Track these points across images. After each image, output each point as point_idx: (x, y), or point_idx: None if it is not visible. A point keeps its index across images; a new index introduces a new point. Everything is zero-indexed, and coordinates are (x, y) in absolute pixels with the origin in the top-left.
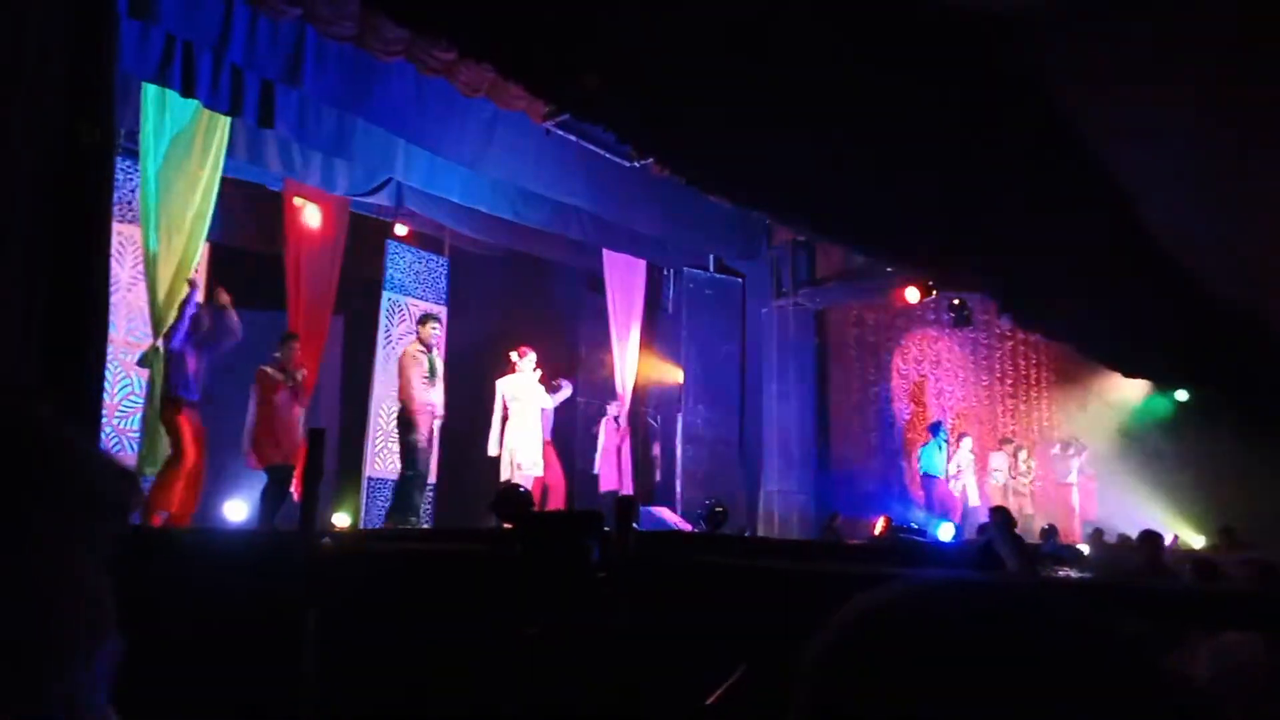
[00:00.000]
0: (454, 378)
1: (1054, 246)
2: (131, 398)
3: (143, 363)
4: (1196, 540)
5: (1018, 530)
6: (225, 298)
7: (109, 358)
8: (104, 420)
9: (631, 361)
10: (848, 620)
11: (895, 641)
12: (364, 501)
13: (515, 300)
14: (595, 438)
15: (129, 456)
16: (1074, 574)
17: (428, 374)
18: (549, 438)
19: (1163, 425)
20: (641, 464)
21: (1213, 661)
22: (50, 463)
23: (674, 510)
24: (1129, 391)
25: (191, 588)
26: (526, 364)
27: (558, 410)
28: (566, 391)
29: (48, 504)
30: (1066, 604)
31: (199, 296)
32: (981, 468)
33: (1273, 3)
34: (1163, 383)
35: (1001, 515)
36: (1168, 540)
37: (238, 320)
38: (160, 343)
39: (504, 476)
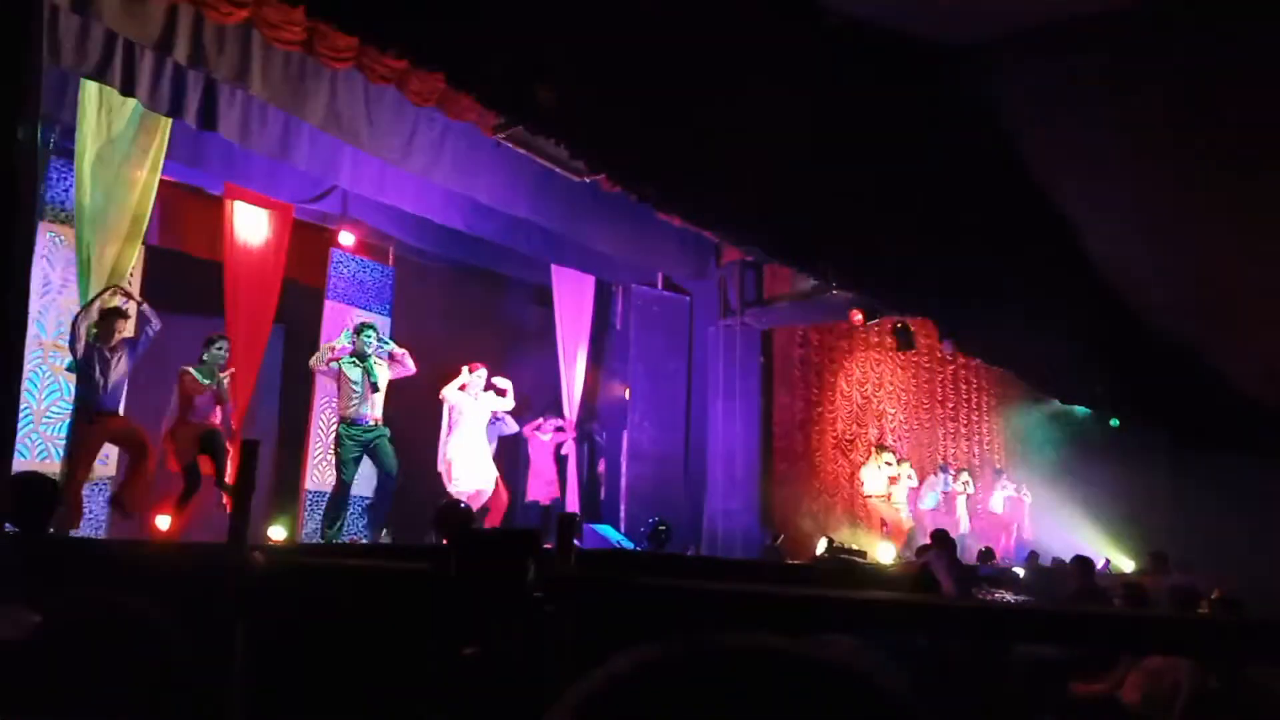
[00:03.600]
0: (395, 389)
1: (997, 273)
2: (60, 403)
3: (73, 368)
4: (1128, 565)
5: (956, 553)
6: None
7: (39, 361)
8: (30, 426)
9: (579, 377)
10: (612, 674)
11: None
12: (302, 515)
13: (461, 312)
14: (532, 454)
15: (55, 464)
16: (1010, 597)
17: (356, 385)
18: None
19: (1097, 451)
20: (586, 481)
21: (1144, 685)
22: None
23: (618, 528)
24: (1065, 417)
25: (113, 598)
26: (477, 379)
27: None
28: (498, 395)
29: None
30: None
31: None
32: (916, 490)
33: (1219, 46)
34: (1099, 409)
35: (941, 538)
36: (1099, 565)
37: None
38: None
39: (447, 489)
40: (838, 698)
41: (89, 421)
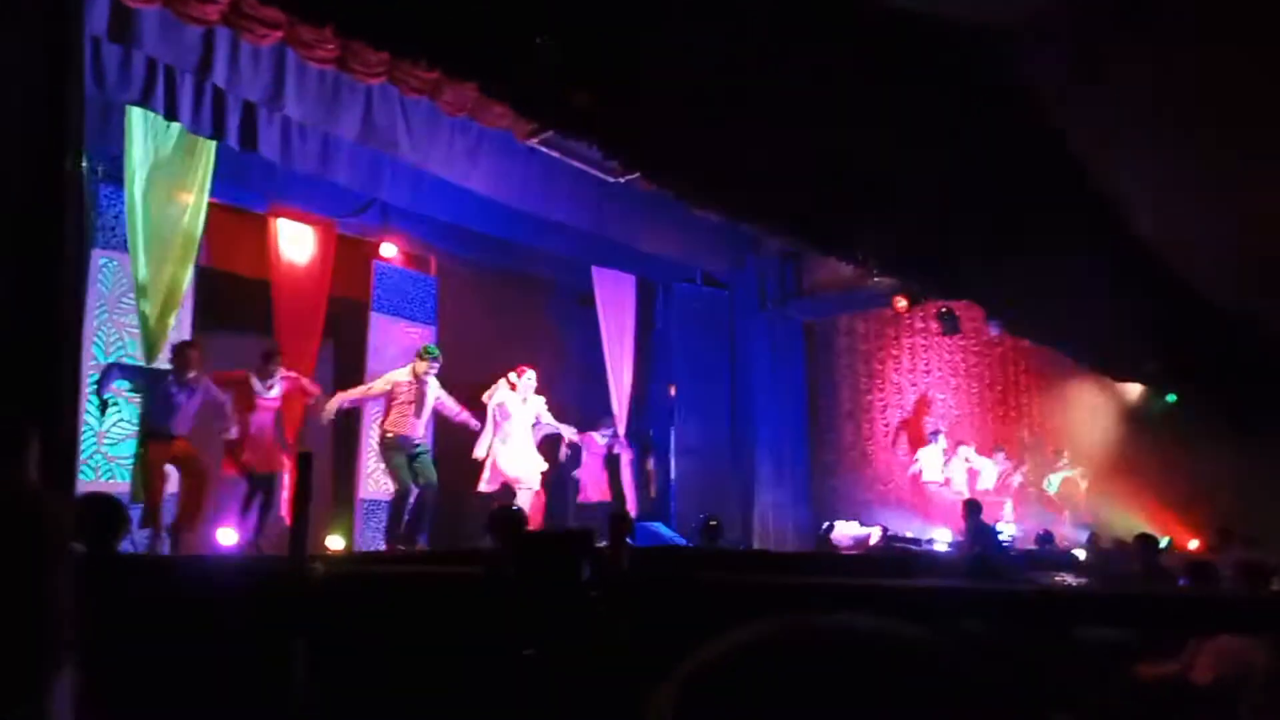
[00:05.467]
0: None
1: (1041, 252)
2: (121, 424)
3: (135, 389)
4: (1192, 542)
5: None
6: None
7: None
8: (94, 448)
9: (625, 377)
10: (717, 652)
11: (756, 681)
12: (357, 524)
13: (504, 318)
14: (585, 458)
15: (120, 484)
16: (1070, 579)
17: (413, 404)
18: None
19: (1155, 428)
20: (636, 478)
21: (1216, 665)
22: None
23: (669, 524)
24: (1120, 395)
25: (178, 614)
26: (525, 383)
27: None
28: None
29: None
30: (938, 652)
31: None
32: (974, 475)
33: (1267, 8)
34: (1154, 386)
35: (970, 506)
36: (1162, 543)
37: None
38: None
39: (482, 488)
40: (934, 678)
41: (157, 443)
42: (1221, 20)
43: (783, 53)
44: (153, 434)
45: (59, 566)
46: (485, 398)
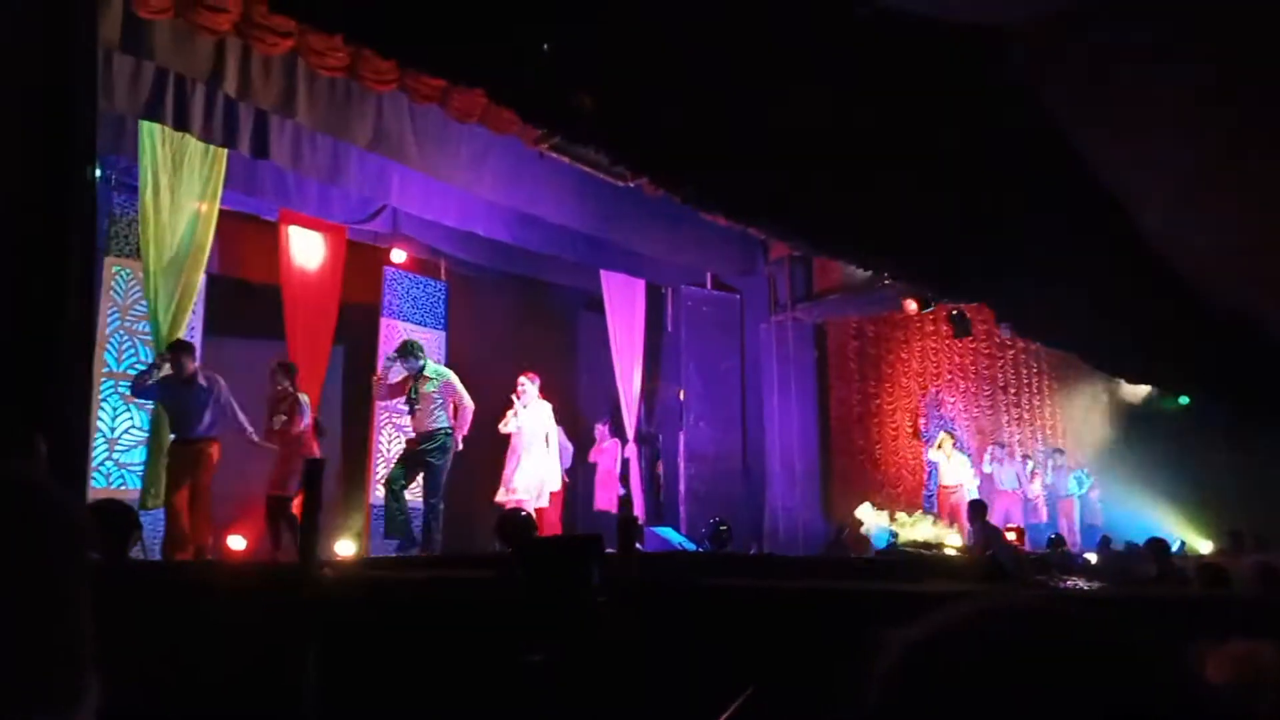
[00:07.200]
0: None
1: (1051, 254)
2: (133, 431)
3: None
4: (1204, 545)
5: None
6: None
7: (110, 390)
8: (105, 454)
9: (635, 381)
10: (911, 645)
11: (961, 669)
12: (368, 530)
13: (514, 323)
14: (595, 461)
15: (131, 491)
16: (1082, 583)
17: (408, 403)
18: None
19: (1167, 430)
20: (645, 483)
21: (1229, 670)
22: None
23: (679, 529)
24: (1132, 397)
25: (190, 622)
26: (529, 389)
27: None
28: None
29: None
30: (1118, 626)
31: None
32: (986, 477)
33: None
34: (1166, 388)
35: (976, 508)
36: (1174, 547)
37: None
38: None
39: (499, 499)
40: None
41: (173, 446)
42: (1225, 19)
43: (787, 58)
44: (171, 438)
45: (83, 573)
46: (502, 428)
